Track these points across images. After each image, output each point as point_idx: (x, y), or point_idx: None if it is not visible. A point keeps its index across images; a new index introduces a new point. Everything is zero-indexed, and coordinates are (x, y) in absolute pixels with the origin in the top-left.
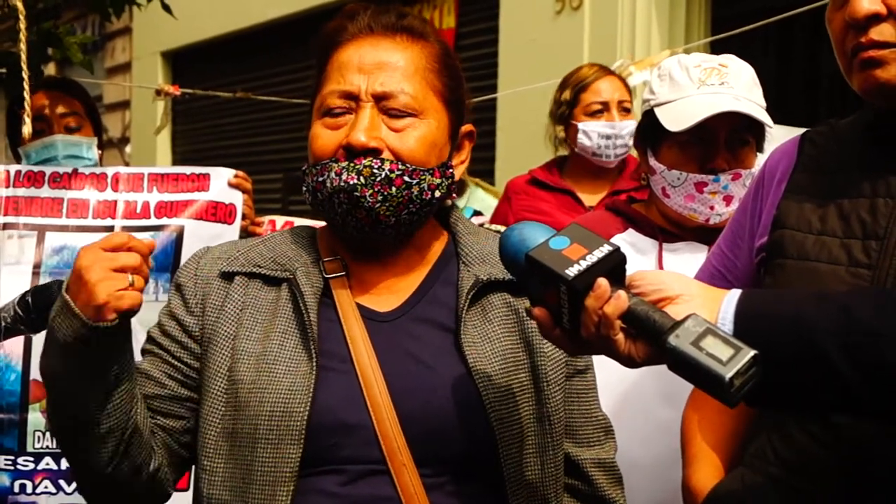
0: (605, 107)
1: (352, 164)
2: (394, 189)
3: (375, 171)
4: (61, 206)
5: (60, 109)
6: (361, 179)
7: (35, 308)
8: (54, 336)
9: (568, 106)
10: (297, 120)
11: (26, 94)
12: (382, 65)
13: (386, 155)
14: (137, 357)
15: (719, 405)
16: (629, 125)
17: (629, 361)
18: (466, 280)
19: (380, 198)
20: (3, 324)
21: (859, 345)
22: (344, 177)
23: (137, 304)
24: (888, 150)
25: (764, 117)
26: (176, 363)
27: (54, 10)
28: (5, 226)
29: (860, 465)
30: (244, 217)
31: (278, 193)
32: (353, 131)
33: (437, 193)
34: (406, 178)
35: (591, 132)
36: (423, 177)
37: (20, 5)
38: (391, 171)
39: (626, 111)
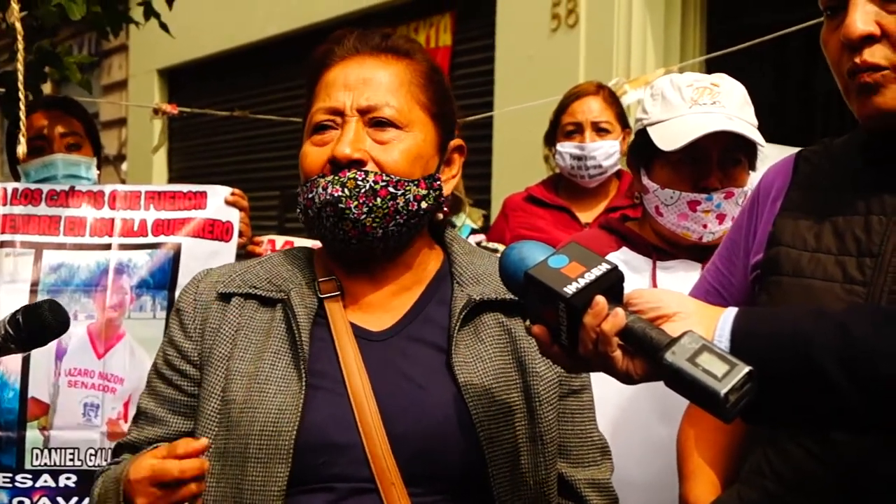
0: (579, 128)
1: (336, 178)
2: (379, 200)
3: (360, 182)
4: (58, 223)
5: (60, 129)
6: (346, 191)
7: (26, 326)
8: None
9: (552, 127)
10: (294, 137)
11: (22, 114)
12: (367, 81)
13: (370, 167)
14: (138, 371)
15: (715, 421)
16: (602, 146)
17: (627, 378)
18: (459, 300)
19: (365, 209)
20: None
21: (856, 359)
22: (329, 189)
23: None
24: (883, 169)
25: (756, 136)
26: (178, 396)
27: (52, 28)
28: (2, 244)
29: (856, 481)
30: (241, 235)
31: (275, 211)
32: (337, 145)
33: (424, 204)
34: (391, 189)
35: (564, 153)
36: (407, 188)
37: (19, 26)
38: (375, 182)
39: (602, 132)
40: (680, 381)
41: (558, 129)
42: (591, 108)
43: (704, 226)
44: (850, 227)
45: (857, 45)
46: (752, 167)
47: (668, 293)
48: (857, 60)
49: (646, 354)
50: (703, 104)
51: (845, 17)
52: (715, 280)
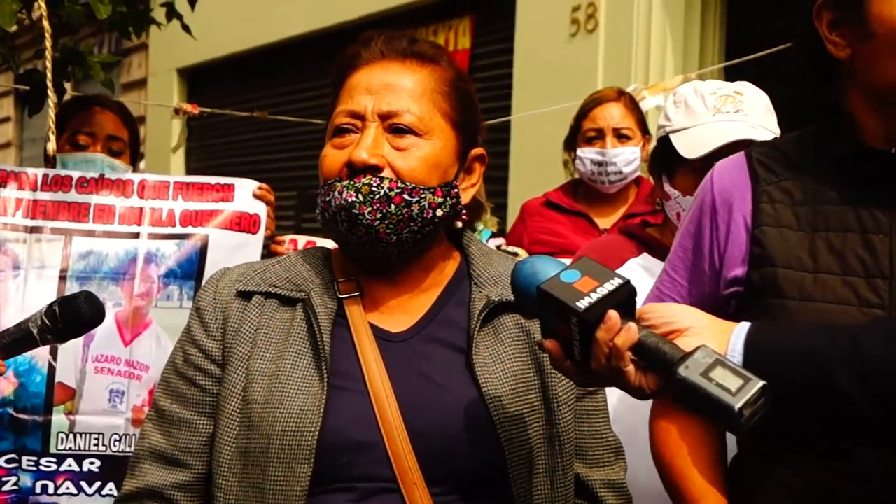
0: (600, 134)
1: (352, 183)
2: (393, 207)
3: (374, 188)
4: (88, 210)
5: (109, 131)
6: (360, 197)
7: (62, 318)
8: None
9: (572, 132)
10: (311, 138)
11: (51, 112)
12: (390, 86)
13: (386, 173)
14: (164, 359)
15: (686, 418)
16: (622, 152)
17: (639, 393)
18: (478, 301)
19: (378, 215)
20: (33, 334)
21: (867, 373)
22: (344, 194)
23: None
24: (873, 183)
25: None
26: (203, 396)
27: (74, 26)
28: (32, 229)
29: (883, 497)
30: (266, 228)
31: (292, 211)
32: (355, 149)
33: (440, 212)
34: (405, 197)
35: (585, 159)
36: (423, 195)
37: (47, 24)
38: (390, 189)
39: (623, 138)
40: (693, 396)
41: (579, 135)
42: (613, 115)
43: None
44: (848, 246)
45: None
46: None
47: (681, 308)
48: None
49: (659, 369)
50: (725, 112)
51: None
52: (672, 291)
